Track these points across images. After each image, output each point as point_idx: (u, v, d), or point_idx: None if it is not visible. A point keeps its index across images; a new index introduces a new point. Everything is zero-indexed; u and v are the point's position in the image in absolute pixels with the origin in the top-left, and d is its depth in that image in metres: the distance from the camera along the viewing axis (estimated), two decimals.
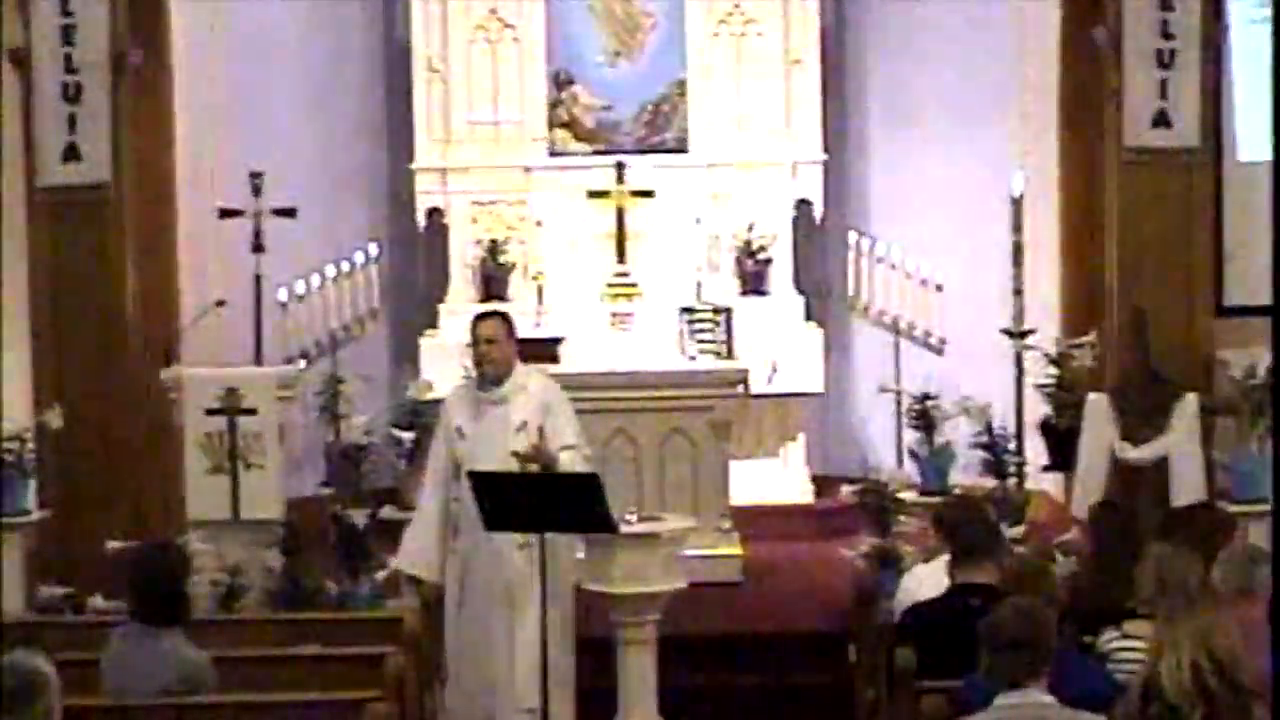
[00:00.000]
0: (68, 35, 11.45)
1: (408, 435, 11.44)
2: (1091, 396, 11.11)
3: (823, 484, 13.62)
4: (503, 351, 9.18)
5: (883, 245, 13.92)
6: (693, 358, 12.91)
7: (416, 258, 14.58)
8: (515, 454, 8.85)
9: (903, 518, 10.92)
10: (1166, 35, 11.51)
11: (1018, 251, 11.55)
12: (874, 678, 8.74)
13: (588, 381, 11.78)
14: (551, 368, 11.90)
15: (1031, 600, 6.63)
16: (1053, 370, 11.56)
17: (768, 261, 14.02)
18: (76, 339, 11.54)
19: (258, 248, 12.75)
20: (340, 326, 13.52)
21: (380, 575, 10.54)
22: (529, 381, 9.21)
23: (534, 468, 8.83)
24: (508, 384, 9.14)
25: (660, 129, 14.32)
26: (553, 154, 14.25)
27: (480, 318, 9.40)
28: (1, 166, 11.53)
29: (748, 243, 14.02)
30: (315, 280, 13.43)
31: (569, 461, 8.94)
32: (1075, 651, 7.14)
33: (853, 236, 14.07)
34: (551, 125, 14.28)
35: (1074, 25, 12.32)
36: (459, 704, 9.12)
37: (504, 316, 9.43)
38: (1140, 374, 11.11)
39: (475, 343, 9.22)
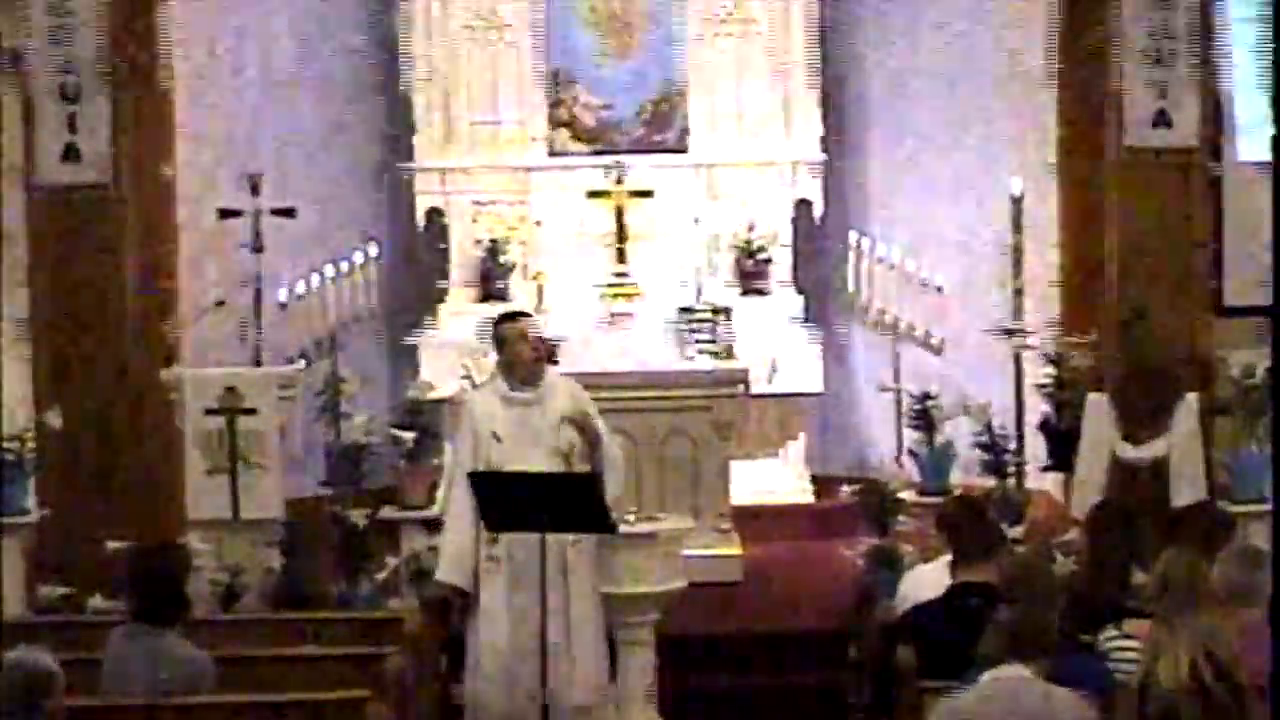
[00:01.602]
0: (67, 35, 11.45)
1: (408, 435, 11.43)
2: (1091, 396, 11.11)
3: (823, 484, 13.62)
4: (541, 348, 9.17)
5: (883, 245, 13.91)
6: (692, 358, 12.91)
7: (416, 258, 14.57)
8: (567, 419, 8.81)
9: (903, 518, 10.92)
10: (1166, 35, 11.51)
11: (1017, 252, 11.55)
12: (874, 678, 8.74)
13: (588, 381, 11.75)
14: (551, 368, 11.91)
15: (1025, 607, 6.70)
16: (1052, 370, 11.56)
17: (767, 261, 14.02)
18: (76, 339, 11.54)
19: (257, 248, 12.74)
20: (340, 326, 13.51)
21: (380, 575, 10.55)
22: (555, 379, 9.20)
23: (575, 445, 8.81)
24: (542, 383, 9.11)
25: (660, 129, 14.33)
26: (552, 154, 14.25)
27: (512, 317, 9.26)
28: (1, 166, 11.54)
29: (747, 243, 14.03)
30: (315, 280, 13.42)
31: (609, 445, 8.98)
32: (1075, 651, 7.14)
33: (853, 236, 14.06)
34: (551, 125, 14.28)
35: (1074, 25, 12.31)
36: (504, 706, 8.98)
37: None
38: (1140, 374, 11.11)
39: (519, 338, 9.05)
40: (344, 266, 13.69)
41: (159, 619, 7.49)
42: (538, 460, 8.82)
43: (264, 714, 7.39)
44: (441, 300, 14.08)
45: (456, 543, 9.01)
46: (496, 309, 13.21)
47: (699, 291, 13.43)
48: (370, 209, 14.50)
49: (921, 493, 11.43)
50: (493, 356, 9.46)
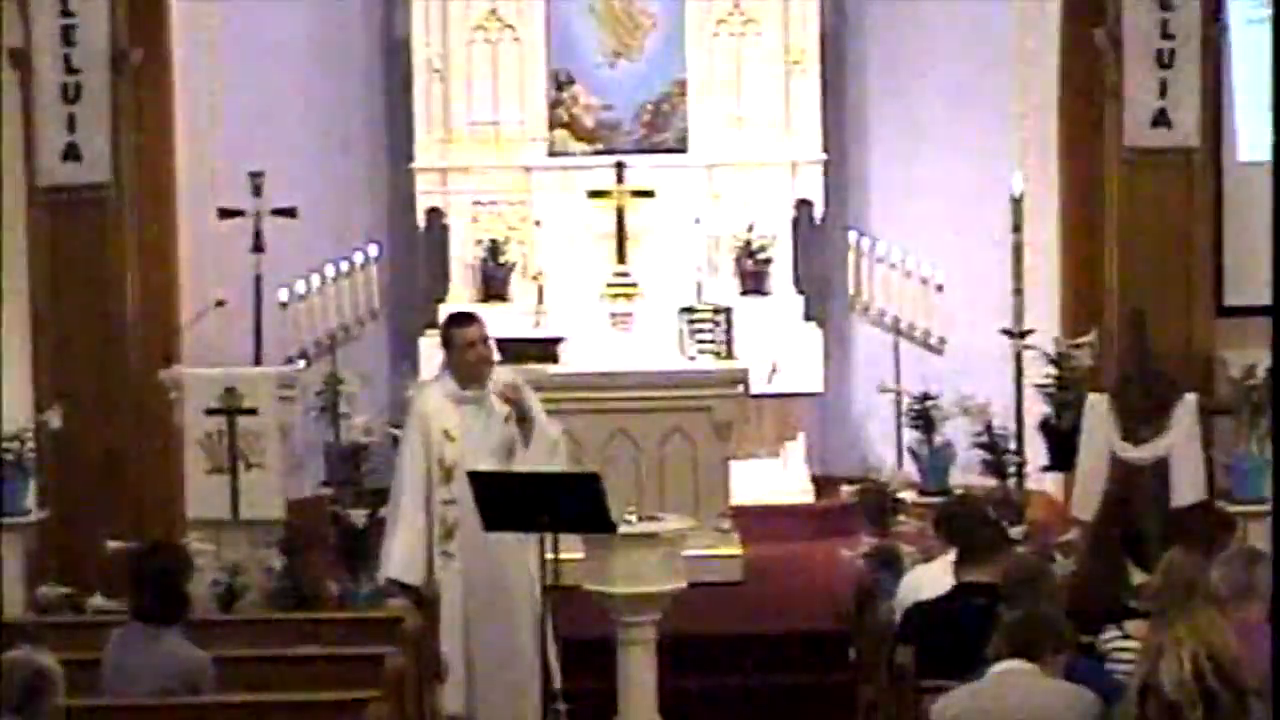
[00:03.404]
0: (68, 35, 11.45)
1: None
2: (1091, 396, 11.12)
3: (823, 484, 13.62)
4: (489, 353, 9.21)
5: (883, 245, 13.91)
6: (693, 358, 12.91)
7: (416, 258, 14.57)
8: (499, 395, 8.91)
9: (903, 518, 10.92)
10: (1166, 35, 11.52)
11: (1018, 251, 11.55)
12: (874, 678, 8.74)
13: (588, 381, 11.79)
14: (551, 368, 11.92)
15: (1029, 608, 6.73)
16: (1053, 370, 11.56)
17: (768, 261, 14.01)
18: (76, 339, 11.54)
19: (258, 248, 12.75)
20: (340, 326, 13.51)
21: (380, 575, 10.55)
22: (497, 374, 9.23)
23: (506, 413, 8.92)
24: (489, 382, 9.15)
25: (660, 129, 14.32)
26: (553, 154, 14.24)
27: (464, 320, 9.34)
28: (1, 166, 11.54)
29: (748, 243, 14.02)
30: (315, 280, 13.42)
31: (546, 425, 9.06)
32: (1075, 651, 7.14)
33: (853, 236, 14.06)
34: (551, 125, 14.27)
35: (1074, 25, 12.32)
36: (471, 702, 8.99)
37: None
38: (1140, 374, 11.11)
39: (468, 345, 9.13)
40: (344, 266, 13.71)
41: (160, 618, 7.48)
42: (486, 458, 8.90)
43: (264, 714, 7.39)
44: (441, 300, 14.08)
45: (408, 541, 9.03)
46: (497, 309, 13.28)
47: (699, 291, 13.42)
48: (371, 209, 14.50)
49: (921, 493, 11.44)
50: (495, 356, 9.48)
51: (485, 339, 9.20)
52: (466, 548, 8.97)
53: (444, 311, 13.87)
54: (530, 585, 8.90)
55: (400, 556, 9.09)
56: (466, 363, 9.12)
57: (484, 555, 8.88)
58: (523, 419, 8.98)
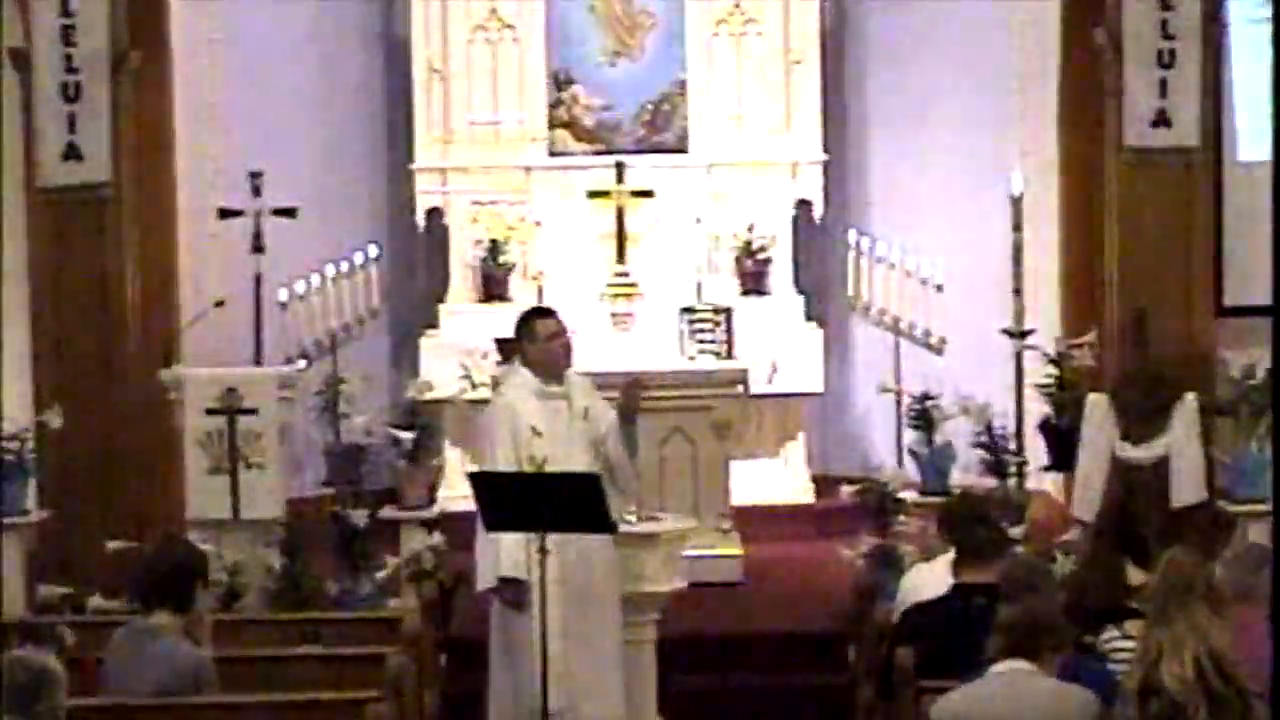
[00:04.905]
0: (68, 35, 11.46)
1: (408, 435, 11.43)
2: (1091, 396, 11.12)
3: (823, 484, 13.61)
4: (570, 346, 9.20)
5: (883, 245, 13.91)
6: (693, 358, 12.91)
7: (416, 258, 14.57)
8: (625, 406, 8.91)
9: (903, 518, 10.92)
10: (1166, 35, 11.52)
11: (1018, 251, 11.56)
12: (874, 678, 8.74)
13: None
14: None
15: (1033, 599, 6.73)
16: (1053, 370, 11.56)
17: (768, 261, 14.01)
18: (76, 339, 11.55)
19: (258, 248, 12.76)
20: (340, 326, 13.51)
21: (380, 575, 10.55)
22: (570, 375, 9.18)
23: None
24: (565, 379, 9.11)
25: (660, 129, 14.32)
26: (553, 154, 14.24)
27: (545, 313, 9.30)
28: (1, 166, 11.54)
29: (748, 243, 14.02)
30: (315, 280, 13.42)
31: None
32: (1075, 651, 7.15)
33: (853, 236, 14.06)
34: (551, 125, 14.26)
35: (1074, 25, 12.33)
36: (572, 699, 8.92)
37: None
38: (1140, 374, 11.11)
39: (554, 336, 9.03)
40: (344, 266, 13.71)
41: (163, 603, 7.46)
42: (578, 453, 8.87)
43: (264, 714, 7.39)
44: (441, 300, 14.08)
45: (510, 537, 8.78)
46: (497, 309, 13.29)
47: (699, 291, 13.42)
48: (371, 209, 14.49)
49: (921, 493, 11.44)
50: (495, 357, 9.45)
51: (566, 331, 9.15)
52: (561, 544, 8.80)
53: (444, 311, 13.96)
54: (617, 584, 8.90)
55: (510, 554, 8.80)
56: (552, 355, 9.01)
57: (574, 552, 8.77)
58: (631, 420, 8.94)
